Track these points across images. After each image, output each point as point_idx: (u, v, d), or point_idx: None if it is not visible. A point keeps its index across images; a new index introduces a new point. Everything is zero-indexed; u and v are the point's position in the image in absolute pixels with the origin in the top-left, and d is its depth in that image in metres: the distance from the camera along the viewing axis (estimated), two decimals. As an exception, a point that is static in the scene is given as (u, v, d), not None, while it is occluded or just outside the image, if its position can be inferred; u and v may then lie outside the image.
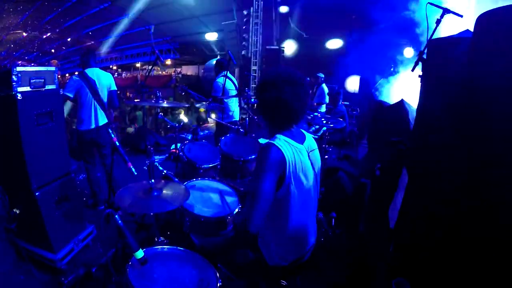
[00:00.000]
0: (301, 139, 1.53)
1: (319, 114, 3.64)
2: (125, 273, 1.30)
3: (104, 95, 3.28)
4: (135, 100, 3.73)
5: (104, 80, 3.28)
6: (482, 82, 1.42)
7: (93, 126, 3.20)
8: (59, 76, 2.56)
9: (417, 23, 3.33)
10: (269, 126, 1.54)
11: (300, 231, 1.53)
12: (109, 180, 2.29)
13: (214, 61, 4.53)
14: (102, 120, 3.28)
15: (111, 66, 23.82)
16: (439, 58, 1.90)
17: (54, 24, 16.98)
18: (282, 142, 1.43)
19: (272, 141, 1.43)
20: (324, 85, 6.73)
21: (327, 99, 6.64)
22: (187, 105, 7.79)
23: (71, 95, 3.10)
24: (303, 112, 1.52)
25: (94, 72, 3.21)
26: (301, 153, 1.47)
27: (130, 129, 8.40)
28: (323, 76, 6.78)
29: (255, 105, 1.64)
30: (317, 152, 1.60)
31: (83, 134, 3.21)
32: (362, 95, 7.12)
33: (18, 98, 1.96)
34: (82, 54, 3.30)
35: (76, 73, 3.20)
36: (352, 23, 8.89)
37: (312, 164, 1.53)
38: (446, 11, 1.97)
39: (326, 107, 6.72)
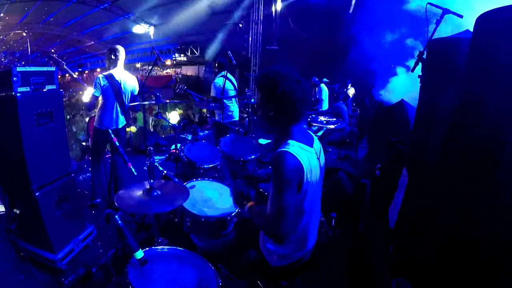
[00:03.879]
0: (310, 141, 1.50)
1: (321, 117, 3.65)
2: (125, 273, 1.30)
3: (127, 99, 3.27)
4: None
5: (129, 83, 3.26)
6: (481, 82, 1.42)
7: (113, 127, 3.20)
8: (59, 76, 2.55)
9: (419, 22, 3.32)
10: (279, 124, 1.46)
11: (304, 233, 1.52)
12: (109, 180, 2.30)
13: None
14: (122, 122, 3.30)
15: (111, 66, 23.81)
16: (439, 58, 1.90)
17: (54, 24, 16.97)
18: (297, 148, 1.37)
19: (285, 149, 1.35)
20: (322, 85, 7.04)
21: (323, 96, 6.92)
22: (186, 102, 7.80)
23: (98, 95, 3.08)
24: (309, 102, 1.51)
25: (121, 74, 3.18)
26: (313, 157, 1.45)
27: (133, 128, 8.43)
28: (317, 79, 7.16)
29: (260, 105, 1.54)
30: (322, 151, 1.59)
31: (101, 134, 3.19)
32: (362, 95, 7.19)
33: (18, 98, 1.96)
34: (110, 51, 3.19)
35: (105, 73, 3.13)
36: (352, 23, 8.88)
37: (320, 165, 1.52)
38: (446, 11, 1.97)
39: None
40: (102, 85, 3.07)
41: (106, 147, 3.31)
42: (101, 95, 3.11)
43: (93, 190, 3.36)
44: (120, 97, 3.19)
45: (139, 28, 14.90)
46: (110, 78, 3.11)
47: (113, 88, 3.12)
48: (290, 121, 1.44)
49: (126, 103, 3.28)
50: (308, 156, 1.40)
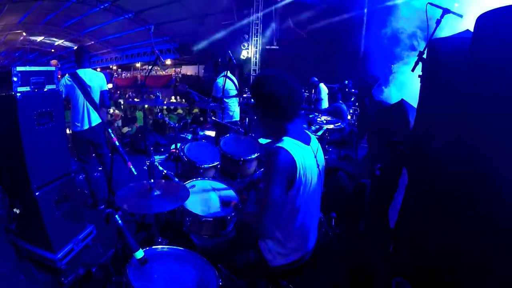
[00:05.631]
0: (307, 140, 1.52)
1: (321, 116, 3.66)
2: (125, 273, 1.30)
3: (96, 96, 3.26)
4: (135, 100, 3.74)
5: (96, 80, 3.27)
6: (482, 82, 1.42)
7: (86, 126, 3.20)
8: (59, 76, 2.55)
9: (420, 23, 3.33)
10: (274, 124, 1.50)
11: (302, 232, 1.53)
12: (108, 180, 2.29)
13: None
14: (95, 120, 3.27)
15: (111, 66, 23.86)
16: (439, 58, 1.90)
17: (55, 24, 16.98)
18: (291, 144, 1.40)
19: (279, 145, 1.39)
20: (321, 85, 7.20)
21: (322, 96, 7.12)
22: (186, 105, 7.82)
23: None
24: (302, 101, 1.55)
25: (86, 73, 3.19)
26: (309, 154, 1.47)
27: (126, 129, 8.43)
28: (316, 78, 7.38)
29: (256, 104, 1.59)
30: (321, 151, 1.60)
31: (78, 135, 3.21)
32: (362, 95, 7.21)
33: (18, 98, 1.96)
34: (76, 52, 3.25)
35: (67, 74, 3.16)
36: (353, 22, 8.87)
37: (317, 164, 1.53)
38: (446, 11, 1.97)
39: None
40: (66, 85, 3.07)
41: (88, 145, 3.31)
42: (68, 98, 3.12)
43: (93, 195, 3.36)
44: (88, 95, 3.18)
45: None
46: (74, 77, 3.10)
47: (79, 87, 3.11)
48: (283, 119, 1.48)
49: (96, 100, 3.27)
50: (303, 153, 1.43)
